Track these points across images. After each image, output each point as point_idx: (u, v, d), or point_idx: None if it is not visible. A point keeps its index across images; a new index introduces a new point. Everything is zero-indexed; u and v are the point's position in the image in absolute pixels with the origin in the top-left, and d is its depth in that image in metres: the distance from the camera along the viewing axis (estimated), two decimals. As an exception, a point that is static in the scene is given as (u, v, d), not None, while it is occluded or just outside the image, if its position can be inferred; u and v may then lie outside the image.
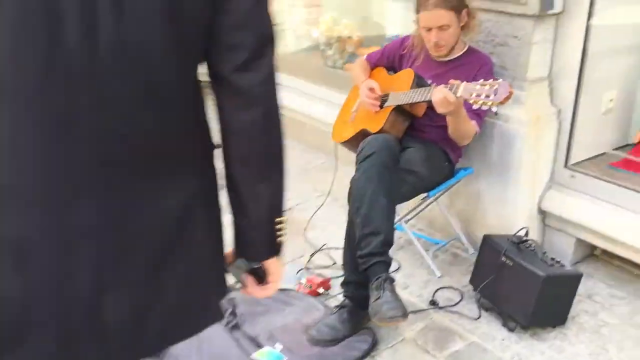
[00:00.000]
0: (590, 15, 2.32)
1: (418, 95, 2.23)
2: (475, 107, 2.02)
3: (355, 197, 2.12)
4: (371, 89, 2.43)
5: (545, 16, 2.34)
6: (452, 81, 2.08)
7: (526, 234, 2.31)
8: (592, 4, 2.31)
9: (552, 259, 2.20)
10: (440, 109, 2.08)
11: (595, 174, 2.50)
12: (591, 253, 2.65)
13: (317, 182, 3.22)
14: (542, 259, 2.18)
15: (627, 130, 2.84)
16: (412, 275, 2.53)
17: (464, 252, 2.68)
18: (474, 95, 1.99)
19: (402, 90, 2.34)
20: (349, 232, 2.18)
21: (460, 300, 2.36)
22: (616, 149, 2.75)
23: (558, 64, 2.45)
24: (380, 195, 2.08)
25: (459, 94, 2.02)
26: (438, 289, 2.42)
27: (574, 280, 2.21)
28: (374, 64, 2.61)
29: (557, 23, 2.39)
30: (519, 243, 2.26)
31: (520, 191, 2.49)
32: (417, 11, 2.30)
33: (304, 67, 3.89)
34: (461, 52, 2.39)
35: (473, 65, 2.35)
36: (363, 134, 2.40)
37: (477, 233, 2.55)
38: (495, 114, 2.35)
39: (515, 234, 2.31)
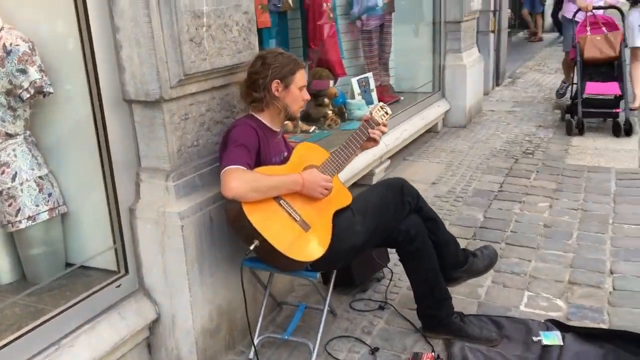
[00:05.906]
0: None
1: (354, 144, 2.33)
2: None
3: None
4: (327, 180, 2.24)
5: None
6: (367, 116, 2.34)
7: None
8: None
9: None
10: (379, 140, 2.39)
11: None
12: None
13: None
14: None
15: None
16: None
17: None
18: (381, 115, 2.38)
19: (320, 161, 2.30)
20: None
21: None
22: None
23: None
24: None
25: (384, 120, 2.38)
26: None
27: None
28: (252, 165, 2.15)
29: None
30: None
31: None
32: (291, 73, 2.25)
33: None
34: None
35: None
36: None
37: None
38: None
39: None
